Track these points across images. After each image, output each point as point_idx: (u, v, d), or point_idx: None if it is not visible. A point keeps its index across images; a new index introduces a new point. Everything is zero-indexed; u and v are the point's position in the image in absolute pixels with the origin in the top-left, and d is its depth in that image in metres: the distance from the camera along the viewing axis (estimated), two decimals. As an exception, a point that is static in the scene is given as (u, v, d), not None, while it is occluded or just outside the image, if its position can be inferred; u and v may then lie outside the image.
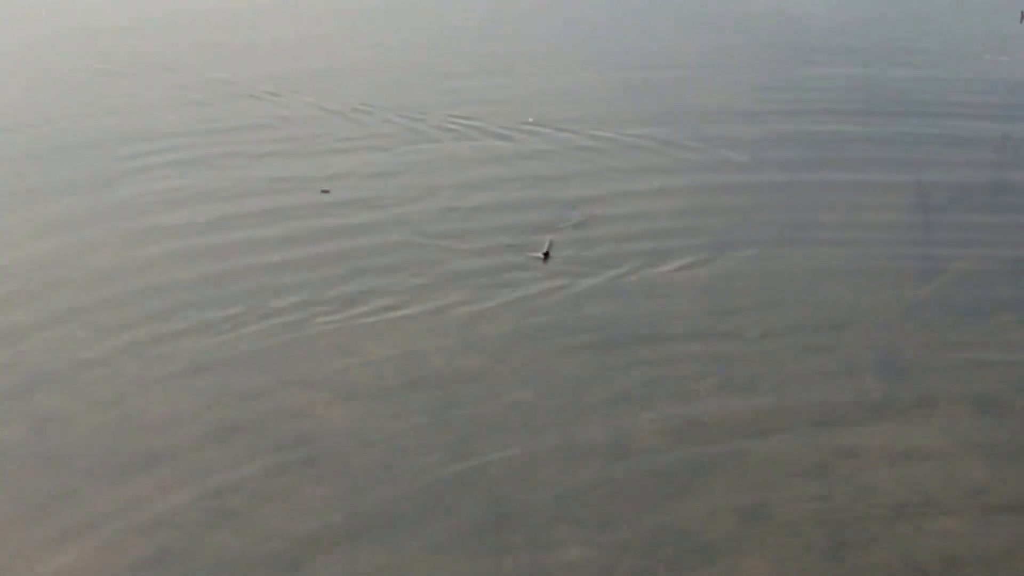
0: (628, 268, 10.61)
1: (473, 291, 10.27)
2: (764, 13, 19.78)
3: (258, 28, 19.32)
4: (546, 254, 10.10)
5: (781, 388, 8.88)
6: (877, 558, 7.15)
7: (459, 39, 18.70)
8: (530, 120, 14.12)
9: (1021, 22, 14.78)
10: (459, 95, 15.43)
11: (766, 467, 8.00)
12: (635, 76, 16.26)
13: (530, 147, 13.67)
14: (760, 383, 8.95)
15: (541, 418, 8.62)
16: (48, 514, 7.70)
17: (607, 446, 8.29)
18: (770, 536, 7.37)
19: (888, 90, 15.52)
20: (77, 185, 12.71)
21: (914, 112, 14.60)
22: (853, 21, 19.15)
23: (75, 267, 10.87)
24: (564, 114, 14.61)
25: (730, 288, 10.36)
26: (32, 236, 11.54)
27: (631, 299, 10.19)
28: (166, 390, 8.97)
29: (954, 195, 12.12)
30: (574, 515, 7.61)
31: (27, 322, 9.90)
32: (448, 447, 8.30)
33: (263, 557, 7.30)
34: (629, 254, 10.91)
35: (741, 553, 7.22)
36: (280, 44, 18.32)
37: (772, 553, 7.21)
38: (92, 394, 8.93)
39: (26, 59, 17.63)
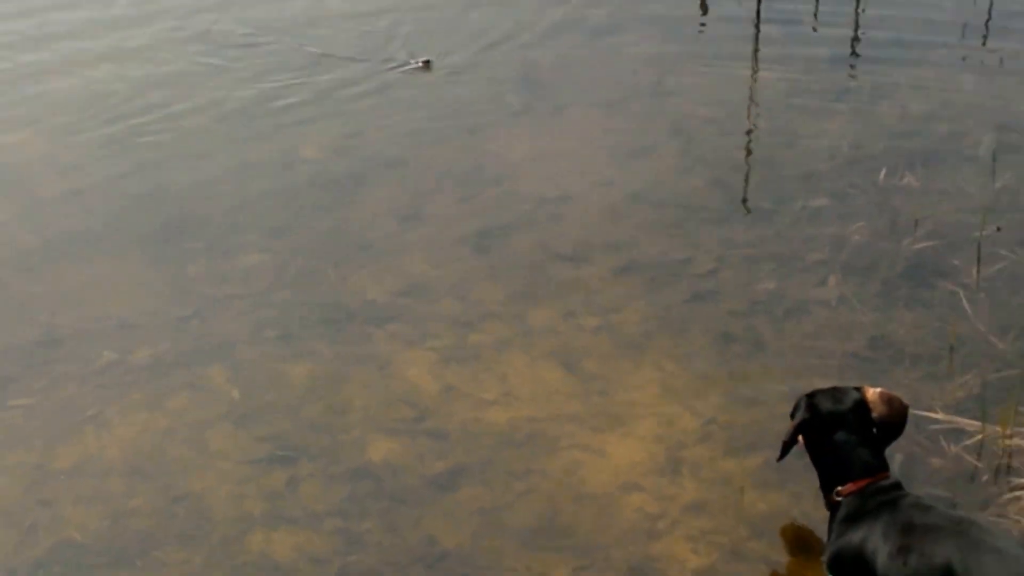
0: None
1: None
2: None
3: None
4: (427, 62, 10.10)
5: (433, 106, 9.54)
6: (518, 248, 7.85)
7: None
8: None
9: None
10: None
11: (421, 175, 8.69)
12: None
13: None
14: (416, 102, 9.61)
15: (215, 141, 9.17)
16: None
17: (276, 162, 8.87)
18: (425, 235, 8.02)
19: None
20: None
21: None
22: None
23: None
24: None
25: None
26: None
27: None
28: None
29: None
30: (249, 224, 8.17)
31: None
32: (130, 167, 8.82)
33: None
34: None
35: (400, 250, 7.86)
36: None
37: (427, 250, 7.87)
38: None
39: None
